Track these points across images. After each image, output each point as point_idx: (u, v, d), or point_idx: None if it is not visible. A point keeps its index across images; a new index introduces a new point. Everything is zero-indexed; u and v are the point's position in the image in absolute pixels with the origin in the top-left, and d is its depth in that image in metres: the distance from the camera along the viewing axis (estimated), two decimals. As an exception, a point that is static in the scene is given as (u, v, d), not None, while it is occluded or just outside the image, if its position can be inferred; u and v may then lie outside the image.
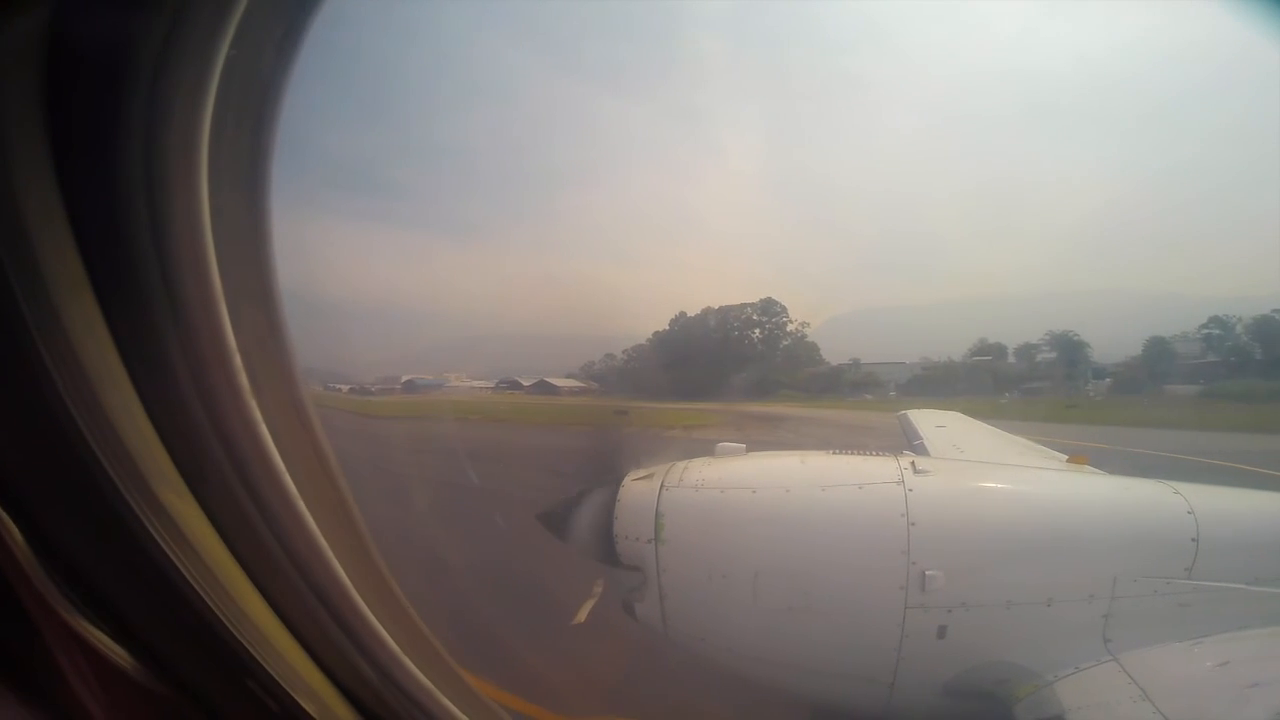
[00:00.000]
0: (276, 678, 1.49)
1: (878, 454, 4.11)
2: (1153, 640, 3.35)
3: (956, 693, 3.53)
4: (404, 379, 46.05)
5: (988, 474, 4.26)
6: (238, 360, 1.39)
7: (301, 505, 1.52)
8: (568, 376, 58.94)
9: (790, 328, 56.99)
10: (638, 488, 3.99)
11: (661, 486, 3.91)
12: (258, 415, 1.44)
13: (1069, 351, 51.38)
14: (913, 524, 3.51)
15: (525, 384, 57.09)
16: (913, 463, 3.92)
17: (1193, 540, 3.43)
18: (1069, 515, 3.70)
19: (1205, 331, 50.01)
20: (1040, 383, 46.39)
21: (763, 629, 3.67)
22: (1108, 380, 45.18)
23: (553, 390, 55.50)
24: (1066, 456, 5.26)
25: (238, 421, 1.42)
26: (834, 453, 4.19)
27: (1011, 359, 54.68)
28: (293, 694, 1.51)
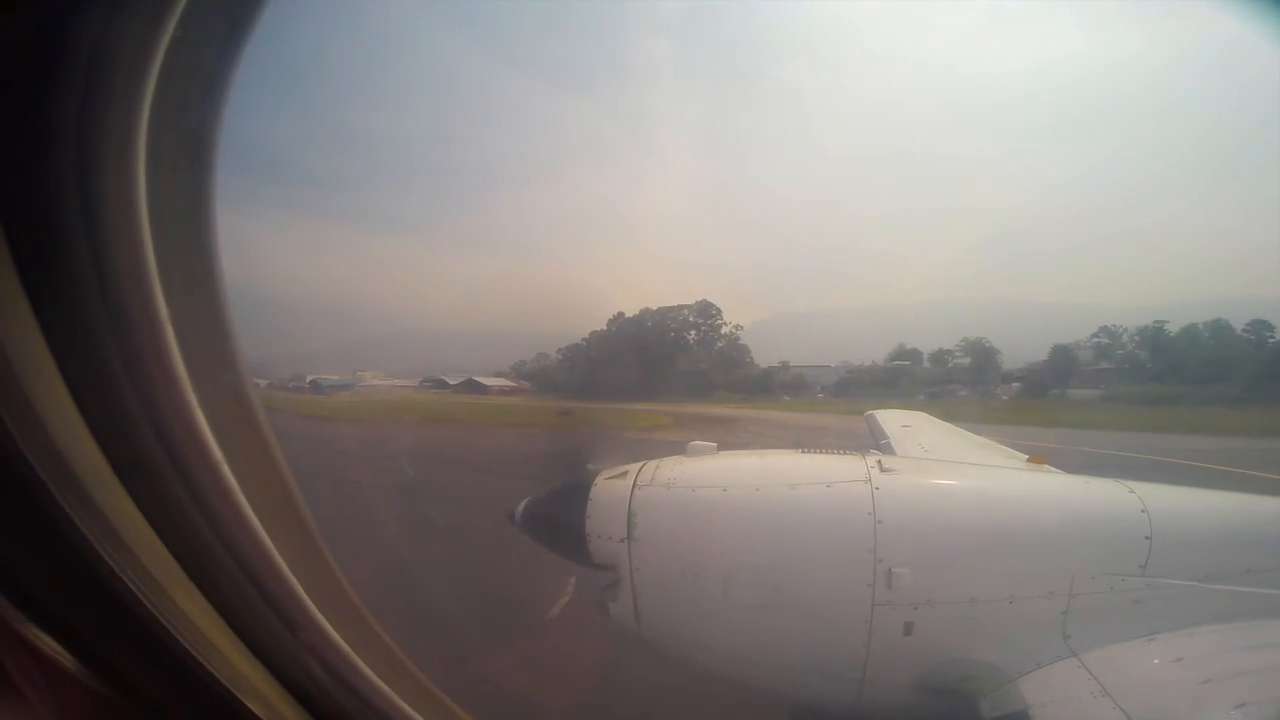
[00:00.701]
0: (219, 678, 1.45)
1: (845, 453, 4.18)
2: (1110, 636, 3.46)
3: (924, 689, 3.61)
4: (311, 377, 43.36)
5: (952, 473, 4.38)
6: (175, 350, 1.35)
7: (243, 501, 1.48)
8: (496, 375, 57.77)
9: (725, 330, 58.37)
10: (610, 486, 3.98)
11: (634, 485, 3.91)
12: (196, 408, 1.40)
13: (982, 357, 55.68)
14: (879, 522, 3.57)
15: (451, 382, 55.30)
16: (879, 461, 3.99)
17: (1146, 538, 3.57)
18: (1030, 513, 3.83)
19: (1096, 340, 55.35)
20: (957, 386, 49.73)
21: (735, 626, 3.70)
22: (1015, 384, 49.13)
23: (481, 389, 54.16)
24: (1027, 456, 5.46)
25: (174, 414, 1.38)
26: (803, 451, 4.26)
27: (927, 364, 58.38)
28: (237, 694, 1.47)
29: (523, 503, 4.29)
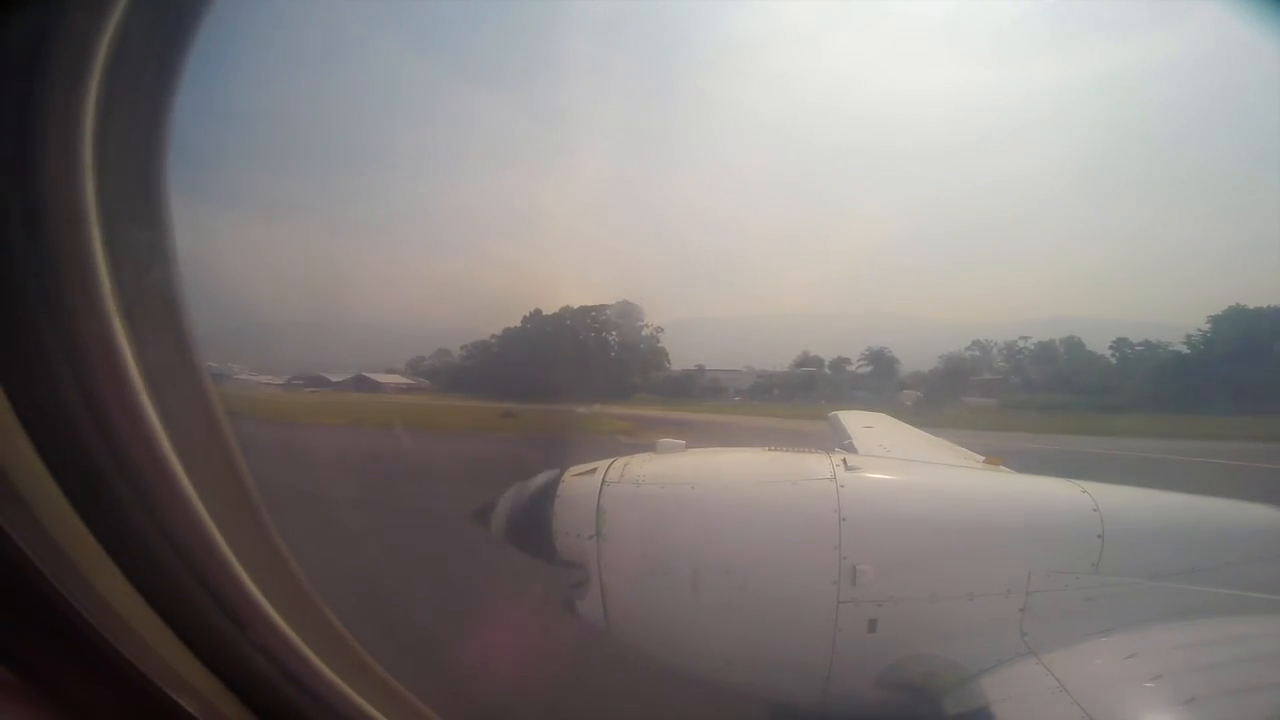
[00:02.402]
0: (145, 672, 1.40)
1: (812, 451, 4.33)
2: (1065, 634, 3.65)
3: (888, 685, 3.74)
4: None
5: (914, 471, 4.60)
6: (114, 319, 1.35)
7: (183, 479, 1.45)
8: (388, 371, 54.88)
9: (646, 332, 59.05)
10: (579, 483, 4.02)
11: (603, 482, 3.97)
12: (135, 377, 1.38)
13: (884, 366, 60.34)
14: (844, 519, 3.69)
15: (334, 380, 51.33)
16: (844, 459, 4.14)
17: (1099, 537, 3.79)
18: (988, 512, 4.03)
19: (969, 353, 62.03)
20: (862, 392, 53.26)
21: (703, 624, 3.79)
22: (915, 392, 53.25)
23: (374, 387, 51.22)
24: (983, 457, 5.76)
25: (107, 379, 1.36)
26: (770, 449, 4.38)
27: (828, 370, 62.51)
28: (166, 690, 1.42)
29: (487, 500, 4.27)
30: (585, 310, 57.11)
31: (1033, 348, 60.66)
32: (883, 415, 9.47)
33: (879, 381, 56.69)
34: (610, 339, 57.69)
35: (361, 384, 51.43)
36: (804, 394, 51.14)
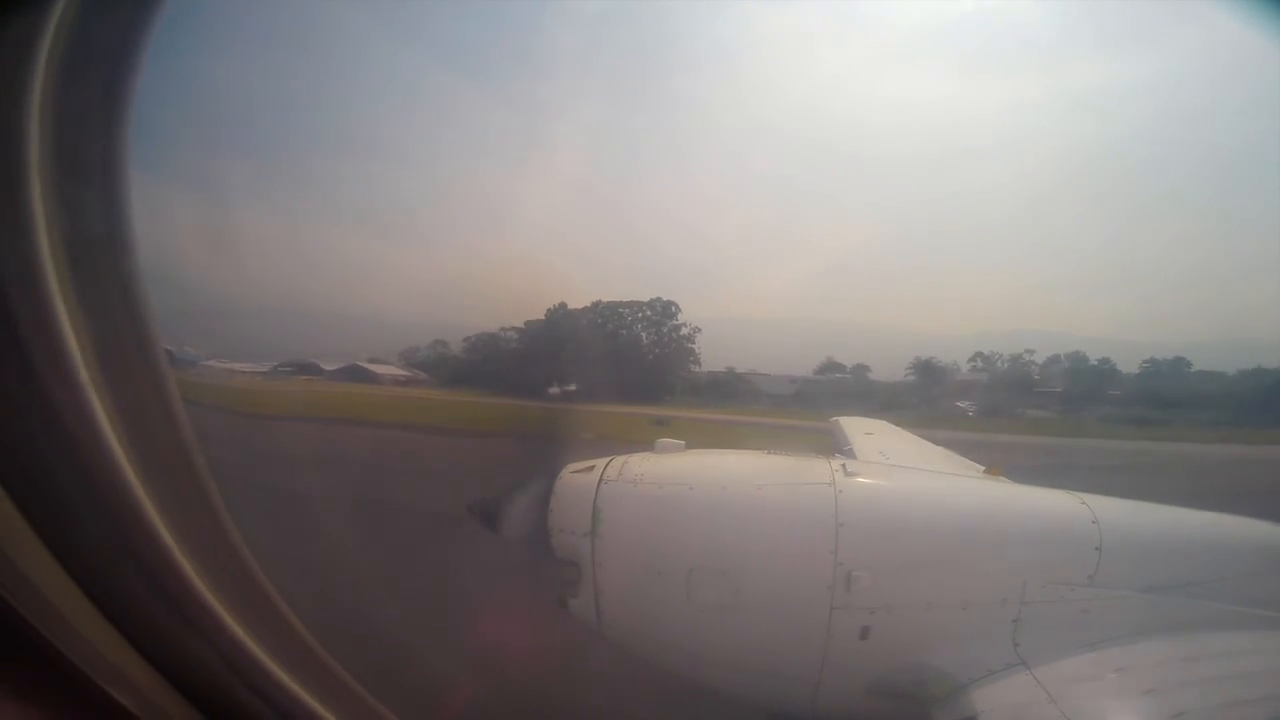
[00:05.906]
0: (78, 664, 1.41)
1: (811, 455, 4.49)
2: (1058, 645, 3.80)
3: (879, 693, 3.88)
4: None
5: (913, 479, 4.86)
6: (59, 304, 1.34)
7: (131, 475, 1.45)
8: (372, 360, 54.02)
9: (683, 330, 57.91)
10: (576, 480, 4.18)
11: (600, 479, 4.12)
12: (81, 367, 1.37)
13: (930, 376, 59.69)
14: (841, 525, 3.85)
15: (328, 368, 50.30)
16: (843, 465, 4.31)
17: (1096, 549, 3.95)
18: (985, 522, 4.19)
19: (971, 365, 62.89)
20: (915, 400, 52.52)
21: (695, 626, 3.95)
22: (968, 404, 52.66)
23: (369, 377, 50.18)
24: (984, 467, 5.97)
25: (53, 373, 1.35)
26: (769, 452, 4.54)
27: (848, 376, 62.59)
28: (100, 683, 1.44)
29: (484, 494, 4.41)
30: (616, 306, 56.24)
31: (1040, 361, 60.92)
32: (883, 422, 9.77)
33: (925, 391, 56.01)
34: (642, 336, 56.56)
35: (355, 374, 50.29)
36: (855, 402, 50.25)
